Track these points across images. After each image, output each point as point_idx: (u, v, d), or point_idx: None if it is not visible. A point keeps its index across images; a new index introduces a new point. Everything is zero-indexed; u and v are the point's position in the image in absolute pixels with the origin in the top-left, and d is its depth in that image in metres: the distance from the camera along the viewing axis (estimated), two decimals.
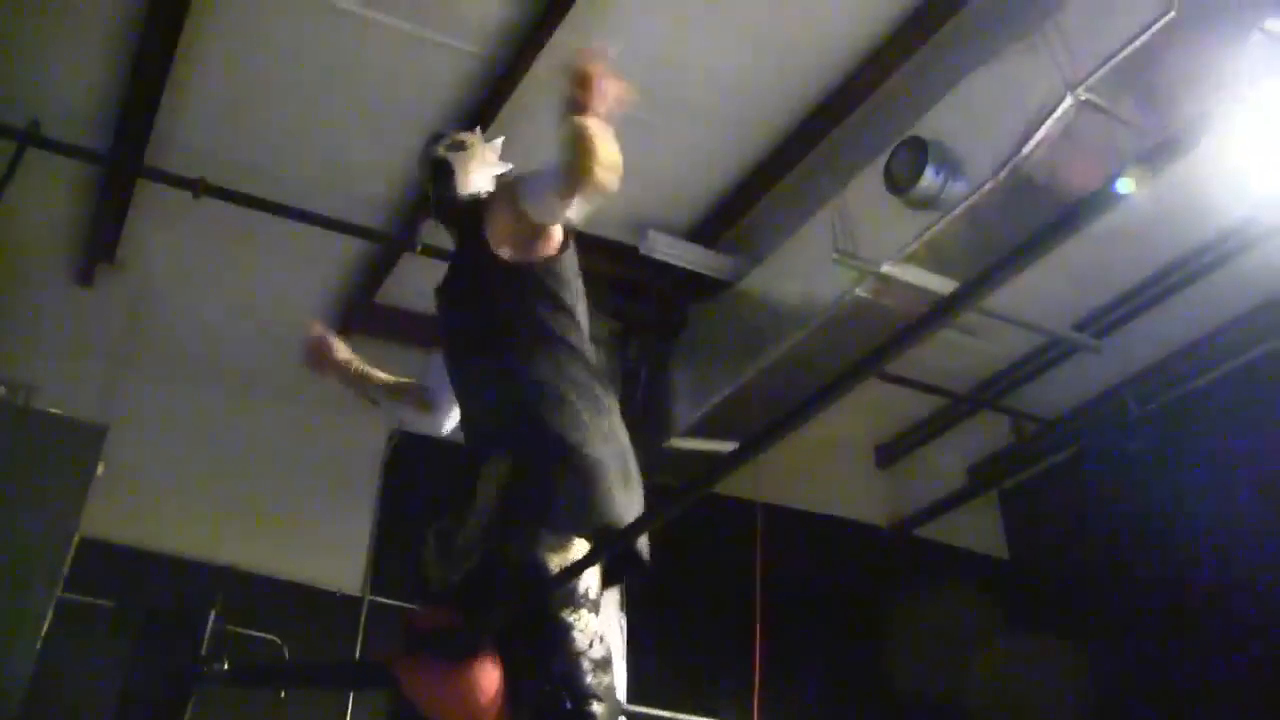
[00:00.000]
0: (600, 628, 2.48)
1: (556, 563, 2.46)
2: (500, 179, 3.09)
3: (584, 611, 2.46)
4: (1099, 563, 7.20)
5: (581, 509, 2.56)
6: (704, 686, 4.70)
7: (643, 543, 2.73)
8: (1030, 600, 7.60)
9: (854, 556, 7.59)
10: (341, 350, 2.94)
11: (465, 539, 2.65)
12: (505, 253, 2.88)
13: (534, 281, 2.83)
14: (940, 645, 7.07)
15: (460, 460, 2.87)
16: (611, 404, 2.87)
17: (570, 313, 2.92)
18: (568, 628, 2.42)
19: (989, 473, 7.82)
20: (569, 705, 2.33)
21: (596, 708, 2.35)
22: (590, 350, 2.95)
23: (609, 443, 2.72)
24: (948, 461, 7.84)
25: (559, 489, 2.59)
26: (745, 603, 6.20)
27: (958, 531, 7.94)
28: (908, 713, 6.44)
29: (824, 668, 6.80)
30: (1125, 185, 5.21)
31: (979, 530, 7.98)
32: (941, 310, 1.71)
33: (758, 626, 6.02)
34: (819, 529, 7.53)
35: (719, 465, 2.05)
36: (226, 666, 3.27)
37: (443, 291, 3.07)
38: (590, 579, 2.51)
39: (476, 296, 2.88)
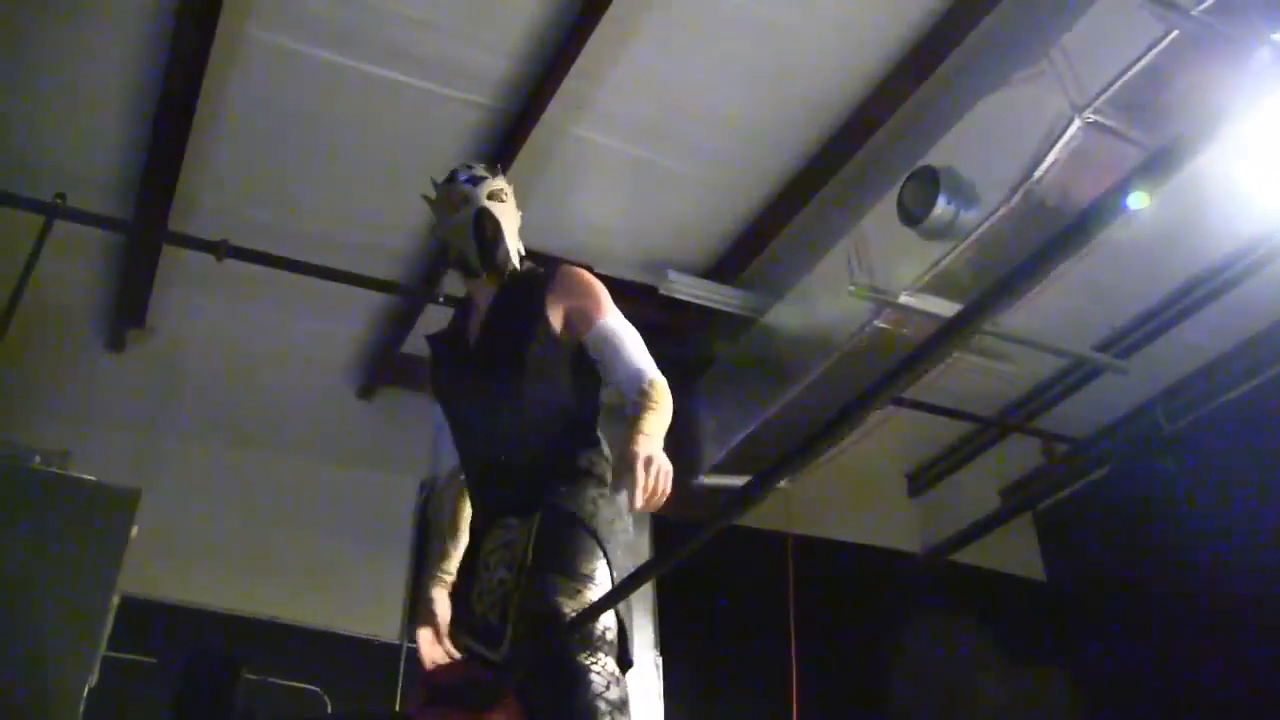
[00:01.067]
0: (617, 671, 2.51)
1: (572, 608, 2.50)
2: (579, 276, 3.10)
3: (601, 654, 2.50)
4: (1137, 580, 7.14)
5: (595, 559, 2.62)
6: (742, 717, 4.71)
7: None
8: (1069, 620, 7.57)
9: (889, 584, 7.57)
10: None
11: (490, 594, 2.70)
12: (556, 327, 2.94)
13: (574, 357, 2.89)
14: (978, 669, 7.04)
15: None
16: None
17: (597, 401, 3.01)
18: (585, 670, 2.45)
19: (1022, 495, 7.81)
20: None
21: None
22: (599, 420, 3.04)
23: (617, 515, 2.80)
24: (980, 486, 7.82)
25: (575, 543, 2.67)
26: (780, 634, 6.21)
27: (994, 555, 7.92)
28: None
29: (862, 697, 6.77)
30: (1137, 200, 5.26)
31: (1015, 553, 7.95)
32: (953, 329, 1.72)
33: (794, 657, 6.02)
34: (852, 558, 7.52)
35: (739, 495, 2.07)
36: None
37: (459, 342, 3.10)
38: (608, 623, 2.54)
39: (518, 360, 2.89)
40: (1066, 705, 6.95)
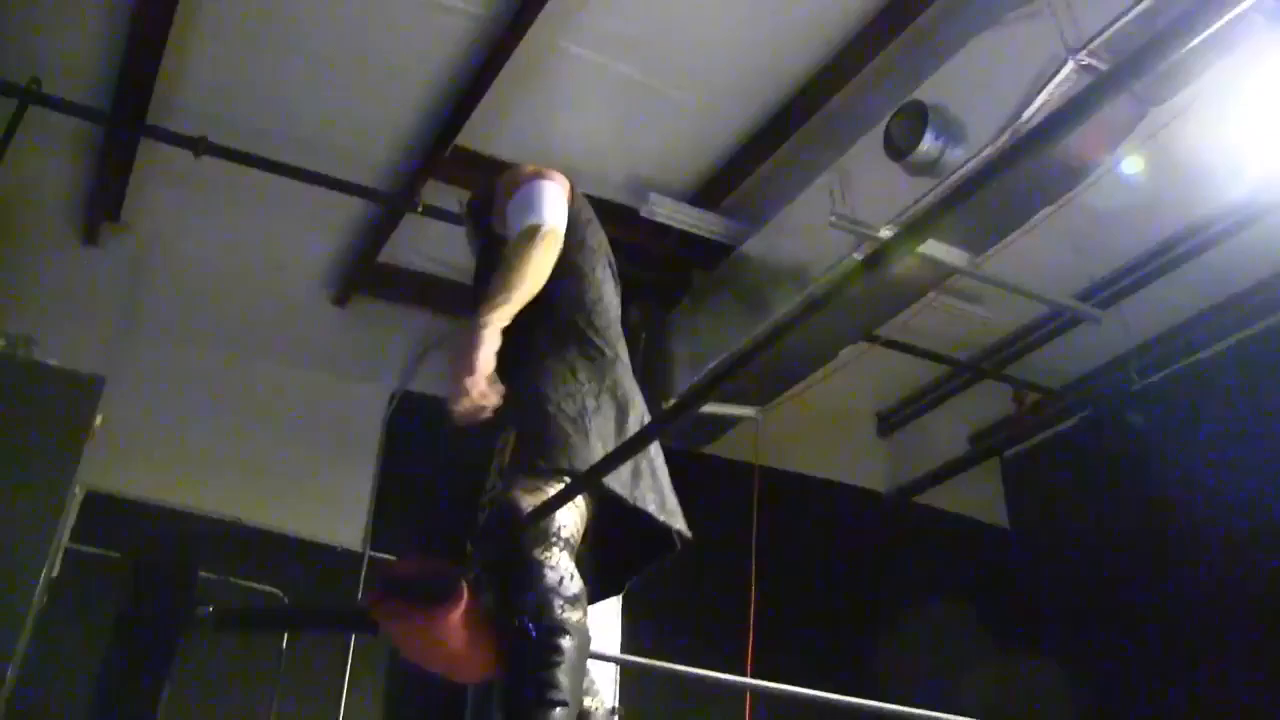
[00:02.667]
0: (572, 567, 2.52)
1: (529, 503, 2.51)
2: (507, 176, 3.15)
3: (556, 550, 2.50)
4: (1098, 532, 7.20)
5: (550, 451, 2.64)
6: (698, 644, 4.75)
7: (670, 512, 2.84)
8: (1028, 567, 7.64)
9: (853, 521, 7.63)
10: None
11: (487, 498, 2.73)
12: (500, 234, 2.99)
13: None
14: (935, 609, 7.11)
15: None
16: (610, 372, 2.92)
17: (578, 300, 2.99)
18: (539, 564, 2.46)
19: (990, 441, 7.85)
20: (535, 635, 2.37)
21: (565, 641, 2.38)
22: (605, 324, 3.02)
23: (593, 402, 2.79)
24: (949, 429, 7.85)
25: (533, 438, 2.68)
26: (742, 564, 6.25)
27: (958, 499, 7.98)
28: (900, 676, 6.45)
29: (818, 627, 6.83)
30: (1131, 165, 5.27)
31: (979, 498, 8.00)
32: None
33: (753, 586, 6.06)
34: (818, 493, 7.57)
35: (715, 373, 2.07)
36: (210, 610, 3.31)
37: None
38: (565, 520, 2.55)
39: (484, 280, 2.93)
40: (1022, 647, 7.02)
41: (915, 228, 1.66)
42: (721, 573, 6.35)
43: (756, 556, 6.32)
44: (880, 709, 4.06)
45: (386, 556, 6.09)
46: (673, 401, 5.77)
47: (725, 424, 6.46)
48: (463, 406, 2.56)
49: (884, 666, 6.45)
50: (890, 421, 7.94)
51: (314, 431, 6.42)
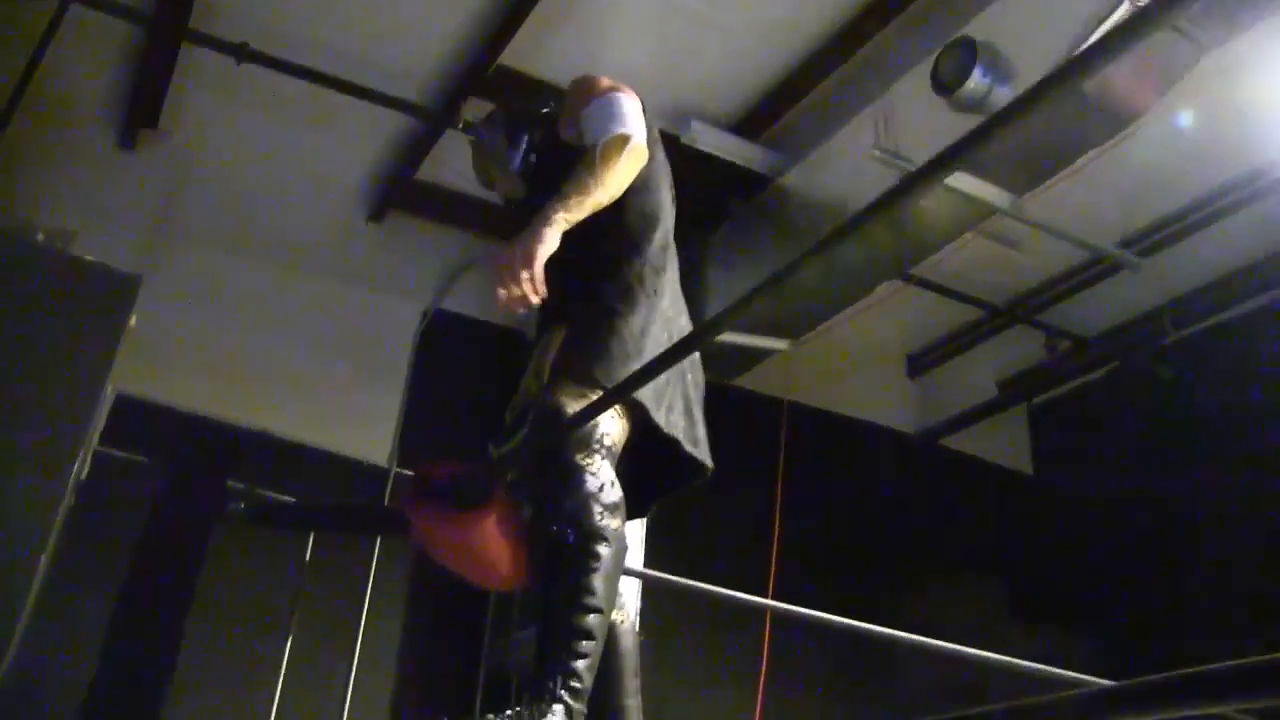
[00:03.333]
0: (613, 475, 2.52)
1: (573, 409, 2.51)
2: (580, 83, 3.13)
3: (597, 457, 2.51)
4: (1124, 484, 7.18)
5: (609, 365, 2.65)
6: (721, 574, 4.77)
7: (693, 439, 2.84)
8: (1050, 515, 7.63)
9: (878, 461, 7.63)
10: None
11: (521, 399, 2.73)
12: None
13: None
14: (956, 554, 7.14)
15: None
16: (666, 291, 2.95)
17: (648, 214, 2.99)
18: (580, 469, 2.47)
19: (1019, 387, 7.81)
20: (573, 540, 2.37)
21: (602, 548, 2.39)
22: (665, 242, 3.02)
23: (653, 316, 2.81)
24: (979, 374, 7.81)
25: (592, 345, 2.70)
26: (767, 498, 6.26)
27: (984, 444, 7.96)
28: (917, 615, 6.48)
29: (840, 566, 6.86)
30: (1178, 120, 5.19)
31: (1005, 444, 7.99)
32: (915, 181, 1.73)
33: (778, 520, 6.08)
34: (846, 431, 7.57)
35: (751, 293, 2.05)
36: (243, 506, 3.33)
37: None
38: (608, 428, 2.55)
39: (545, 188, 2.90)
40: (1042, 596, 7.04)
41: (946, 157, 1.63)
42: (747, 505, 6.37)
43: (782, 491, 6.33)
44: (889, 635, 4.08)
45: (412, 473, 6.12)
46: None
47: (756, 356, 6.44)
48: (510, 292, 2.54)
49: (902, 605, 6.47)
50: (920, 363, 7.91)
51: (345, 346, 6.43)
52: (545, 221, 2.59)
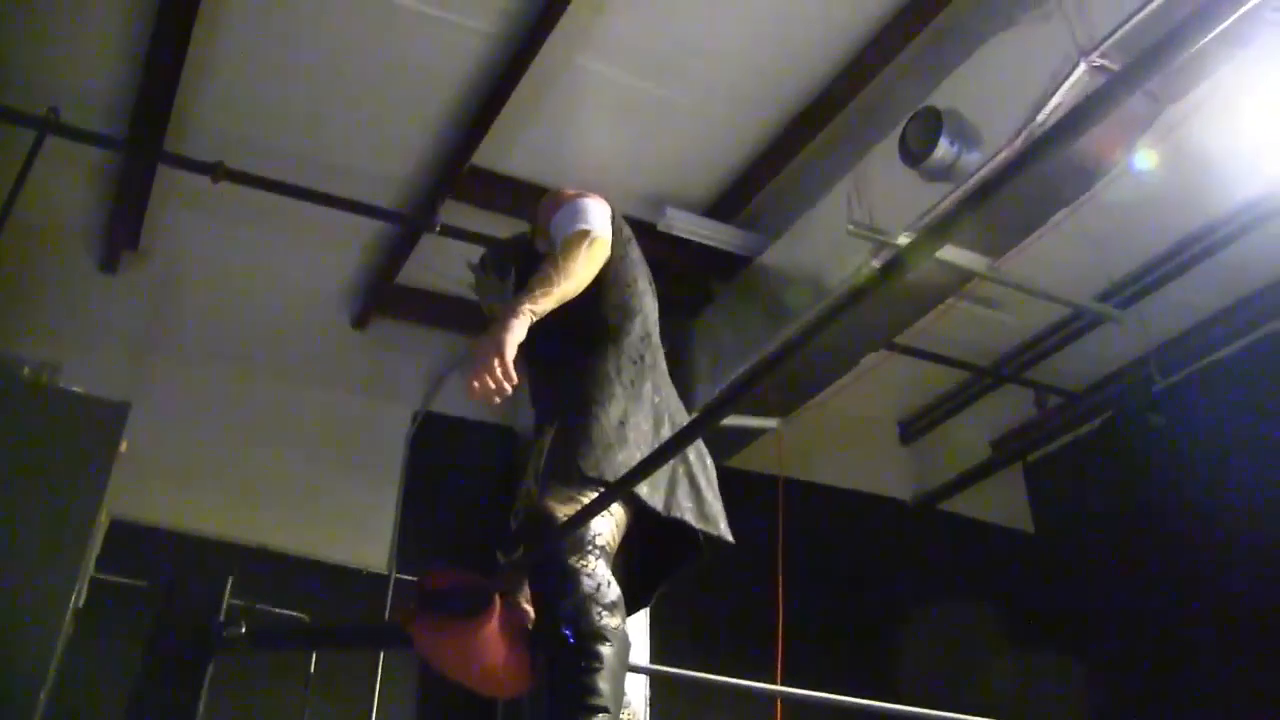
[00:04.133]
0: (609, 575, 2.52)
1: (564, 513, 2.51)
2: (548, 198, 3.20)
3: (592, 558, 2.50)
4: (1123, 534, 7.17)
5: (590, 456, 2.65)
6: (727, 658, 4.74)
7: (711, 515, 2.84)
8: (1056, 572, 7.60)
9: (878, 530, 7.62)
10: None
11: (521, 504, 2.74)
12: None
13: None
14: (962, 617, 7.08)
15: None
16: (649, 378, 2.96)
17: (623, 307, 3.02)
18: (576, 572, 2.46)
19: (1013, 446, 7.82)
20: (574, 641, 2.36)
21: (604, 648, 2.37)
22: (644, 334, 3.05)
23: (633, 406, 2.83)
24: (971, 435, 7.84)
25: (575, 440, 2.69)
26: (769, 576, 6.23)
27: (982, 505, 7.95)
28: (927, 682, 6.43)
29: (846, 639, 6.81)
30: (1143, 160, 5.27)
31: (1003, 503, 7.98)
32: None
33: (780, 599, 6.04)
34: (842, 503, 7.56)
35: (736, 387, 2.06)
36: (244, 630, 3.30)
37: None
38: (600, 528, 2.55)
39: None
40: (1052, 653, 6.99)
41: (933, 233, 1.66)
42: (748, 585, 6.33)
43: (783, 568, 6.30)
44: (907, 712, 4.03)
45: (412, 579, 6.08)
46: (697, 412, 5.77)
47: (748, 436, 6.44)
48: (481, 385, 2.56)
49: (911, 672, 6.42)
50: (912, 429, 7.93)
51: (337, 454, 6.42)
52: (512, 313, 2.62)
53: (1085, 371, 7.23)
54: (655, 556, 2.89)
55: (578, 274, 2.76)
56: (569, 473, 2.63)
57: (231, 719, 5.18)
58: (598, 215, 2.94)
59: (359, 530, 6.27)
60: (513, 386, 2.57)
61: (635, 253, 3.16)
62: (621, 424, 2.74)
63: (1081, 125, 1.51)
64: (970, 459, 7.83)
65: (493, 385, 2.55)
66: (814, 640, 6.32)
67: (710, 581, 6.29)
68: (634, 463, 2.63)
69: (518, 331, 2.60)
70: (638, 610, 2.88)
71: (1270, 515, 6.14)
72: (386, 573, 6.13)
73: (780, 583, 6.16)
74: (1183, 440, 6.88)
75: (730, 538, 2.86)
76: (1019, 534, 8.01)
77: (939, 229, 1.62)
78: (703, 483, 2.88)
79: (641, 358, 2.96)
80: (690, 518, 2.76)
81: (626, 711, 2.68)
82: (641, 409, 2.84)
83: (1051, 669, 6.83)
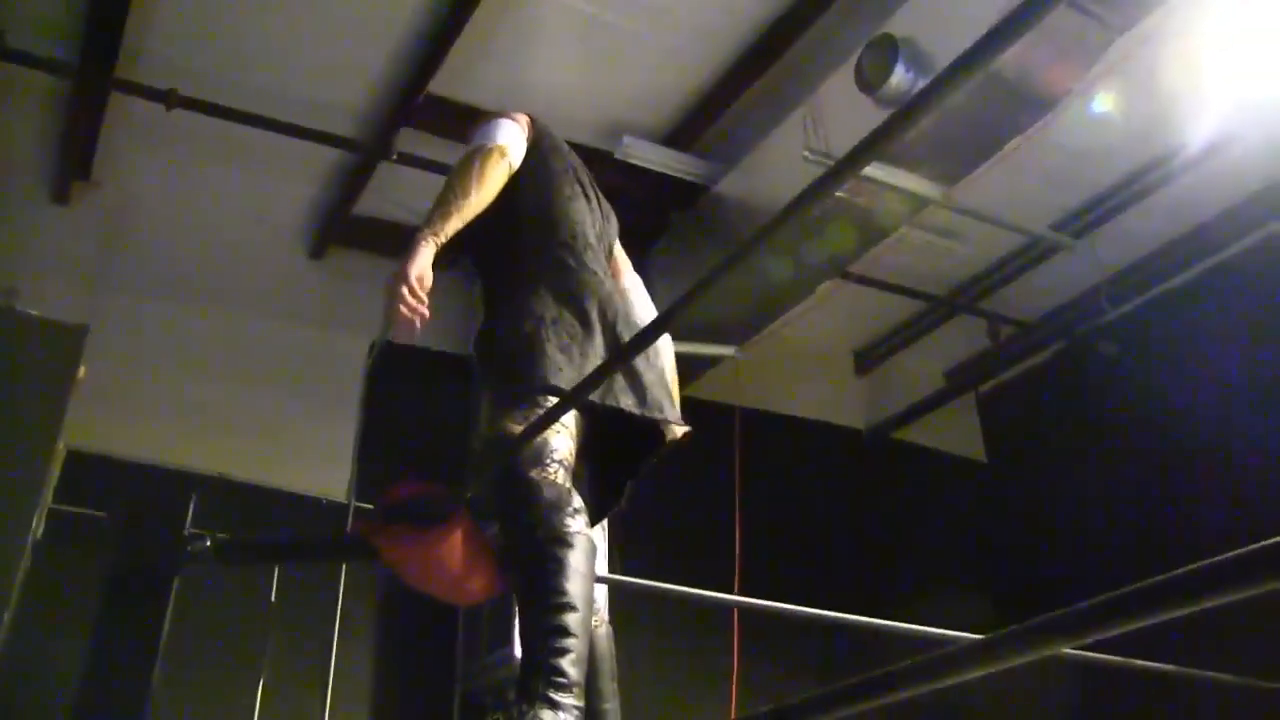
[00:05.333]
0: (569, 483, 2.56)
1: (515, 431, 2.55)
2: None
3: (551, 468, 2.54)
4: (1074, 463, 7.27)
5: (516, 376, 2.71)
6: (685, 581, 4.80)
7: (656, 405, 2.87)
8: (1006, 502, 7.72)
9: (833, 459, 7.70)
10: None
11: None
12: None
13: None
14: (917, 546, 7.21)
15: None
16: (570, 281, 2.97)
17: (539, 215, 3.03)
18: (536, 483, 2.50)
19: (966, 376, 7.91)
20: (537, 548, 2.40)
21: (566, 551, 2.40)
22: (567, 238, 3.05)
23: (553, 312, 2.86)
24: (926, 365, 7.92)
25: (501, 367, 2.78)
26: (726, 504, 6.30)
27: (936, 435, 8.05)
28: (887, 612, 6.54)
29: (802, 568, 6.89)
30: (1102, 102, 5.30)
31: (957, 433, 8.07)
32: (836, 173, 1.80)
33: (738, 525, 6.12)
34: (798, 432, 7.63)
35: (671, 310, 2.09)
36: (209, 544, 3.33)
37: None
38: (555, 443, 2.59)
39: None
40: (1001, 578, 7.12)
41: (864, 147, 1.68)
42: (706, 512, 6.41)
43: (740, 495, 6.38)
44: (858, 622, 4.14)
45: (370, 507, 6.10)
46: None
47: (705, 364, 6.49)
48: (398, 316, 2.60)
49: (867, 600, 6.52)
50: (867, 359, 8.00)
51: (295, 384, 6.41)
52: (414, 242, 2.67)
53: (1038, 302, 7.31)
54: (623, 457, 2.94)
55: (472, 189, 2.80)
56: (506, 394, 2.70)
57: (194, 647, 5.23)
58: (500, 130, 2.98)
59: (318, 459, 6.27)
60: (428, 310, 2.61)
61: (558, 162, 3.18)
62: (536, 332, 2.77)
63: (1009, 39, 1.54)
64: (924, 388, 7.93)
65: (408, 314, 2.59)
66: (770, 564, 6.39)
67: (667, 509, 6.39)
68: (557, 366, 2.67)
69: (422, 258, 2.64)
70: (612, 509, 2.94)
71: (1220, 442, 6.26)
72: (346, 501, 6.14)
73: (737, 508, 6.23)
74: (1134, 369, 6.98)
75: (679, 422, 2.90)
76: (972, 463, 8.11)
77: (869, 143, 1.64)
78: (645, 373, 2.90)
79: (563, 263, 2.98)
80: (630, 406, 2.78)
81: (596, 616, 2.73)
82: (565, 313, 2.86)
83: (1003, 600, 6.95)
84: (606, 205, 3.40)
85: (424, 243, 2.66)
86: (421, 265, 2.62)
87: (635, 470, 2.97)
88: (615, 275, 3.29)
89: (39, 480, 3.90)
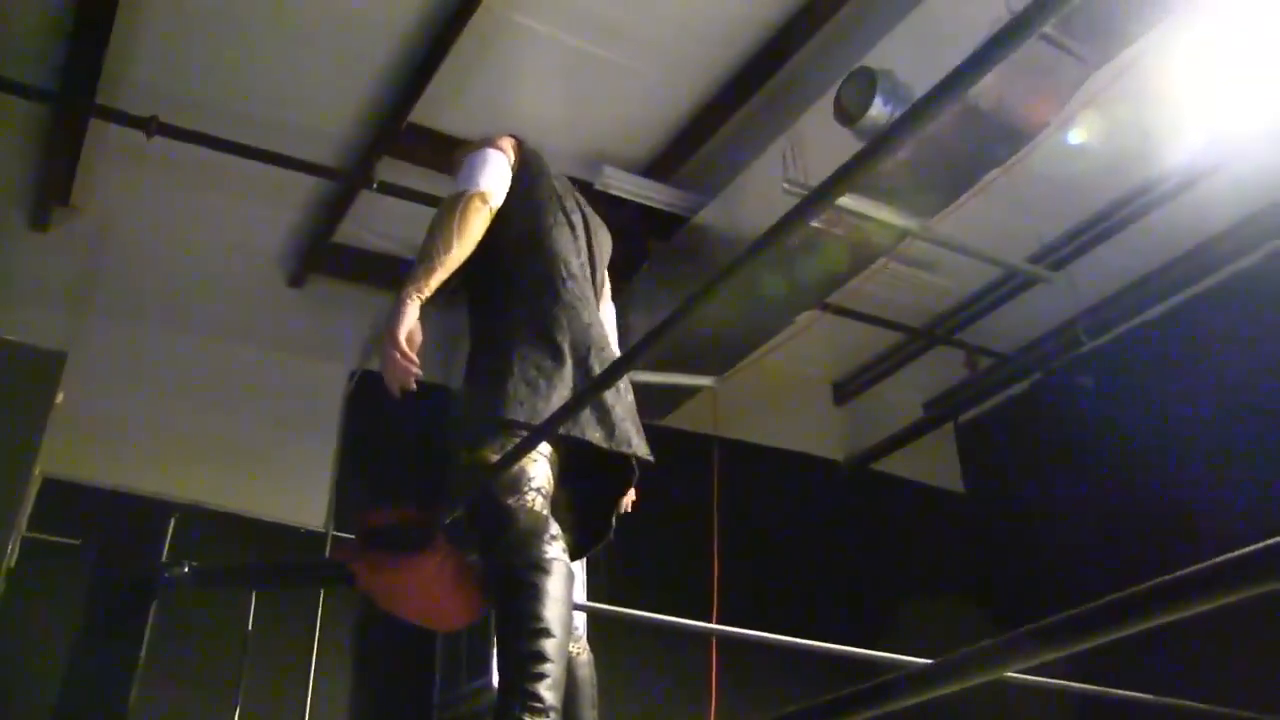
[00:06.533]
0: (546, 510, 2.57)
1: (495, 458, 2.56)
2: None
3: (528, 495, 2.55)
4: (1051, 494, 7.31)
5: (485, 412, 2.73)
6: (666, 610, 4.79)
7: (625, 436, 2.87)
8: (985, 532, 7.74)
9: (812, 490, 7.71)
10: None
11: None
12: None
13: None
14: (897, 576, 7.20)
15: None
16: (546, 311, 2.98)
17: (521, 248, 3.04)
18: (512, 510, 2.51)
19: (944, 407, 7.94)
20: (514, 574, 2.41)
21: (543, 578, 2.41)
22: (548, 271, 3.06)
23: (524, 348, 2.87)
24: (904, 396, 7.94)
25: (472, 404, 2.82)
26: (704, 535, 6.29)
27: (915, 465, 8.07)
28: (865, 641, 6.53)
29: (780, 598, 6.89)
30: (1078, 135, 5.34)
31: (935, 464, 8.10)
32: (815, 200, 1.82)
33: (716, 557, 6.11)
34: (777, 463, 7.64)
35: (646, 340, 2.10)
36: (186, 570, 3.32)
37: None
38: (534, 471, 2.59)
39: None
40: (980, 611, 7.12)
41: (839, 176, 1.70)
42: (684, 543, 6.40)
43: (718, 526, 6.37)
44: (834, 651, 4.14)
45: (349, 536, 6.08)
46: (632, 374, 5.79)
47: (683, 394, 6.50)
48: (389, 378, 2.65)
49: (843, 630, 6.51)
50: (846, 390, 8.02)
51: (274, 413, 6.39)
52: (399, 301, 2.71)
53: (1016, 333, 7.36)
54: (591, 492, 2.94)
55: (454, 243, 2.82)
56: (476, 429, 2.72)
57: (170, 675, 5.18)
58: (484, 171, 2.99)
59: (296, 488, 6.25)
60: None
61: (544, 189, 3.19)
62: (509, 362, 2.80)
63: (981, 71, 1.56)
64: (903, 419, 7.95)
65: (401, 374, 2.61)
66: (749, 601, 6.39)
67: (646, 541, 6.37)
68: (521, 398, 2.69)
69: (408, 317, 2.69)
70: (590, 548, 2.94)
71: (1194, 475, 6.29)
72: (324, 530, 6.12)
73: (715, 539, 6.23)
74: (1110, 401, 7.03)
75: (646, 455, 2.89)
76: (951, 493, 8.14)
77: (843, 172, 1.66)
78: (613, 407, 2.89)
79: (542, 293, 2.99)
80: (598, 439, 2.79)
81: (576, 645, 2.73)
82: (540, 344, 2.87)
83: (981, 629, 6.94)
84: (597, 223, 3.42)
85: (409, 300, 2.69)
86: (409, 324, 2.66)
87: (616, 503, 2.98)
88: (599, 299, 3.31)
89: (14, 507, 3.86)
